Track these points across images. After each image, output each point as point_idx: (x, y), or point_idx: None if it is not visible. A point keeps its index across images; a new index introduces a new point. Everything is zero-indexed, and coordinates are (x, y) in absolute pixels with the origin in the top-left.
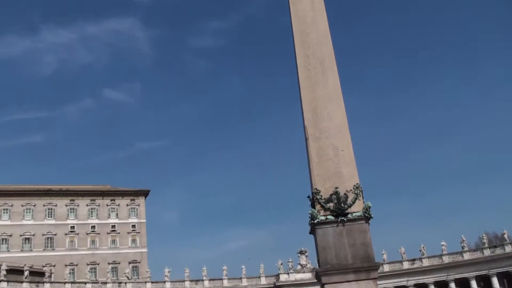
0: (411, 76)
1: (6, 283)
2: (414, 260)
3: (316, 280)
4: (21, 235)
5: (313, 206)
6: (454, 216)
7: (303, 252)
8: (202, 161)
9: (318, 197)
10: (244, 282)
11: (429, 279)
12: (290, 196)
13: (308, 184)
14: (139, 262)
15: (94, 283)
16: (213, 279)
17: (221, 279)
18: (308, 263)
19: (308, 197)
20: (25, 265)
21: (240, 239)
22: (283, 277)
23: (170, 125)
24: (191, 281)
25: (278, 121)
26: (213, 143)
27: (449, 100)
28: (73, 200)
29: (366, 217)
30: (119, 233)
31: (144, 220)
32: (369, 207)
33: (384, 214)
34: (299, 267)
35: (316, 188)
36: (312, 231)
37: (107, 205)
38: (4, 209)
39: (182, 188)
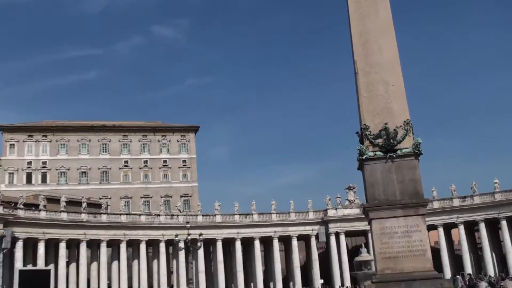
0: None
1: (66, 213)
2: (465, 197)
3: (363, 216)
4: (78, 169)
5: (361, 142)
6: (509, 153)
7: (351, 188)
8: (252, 96)
9: (367, 133)
10: (292, 216)
11: (479, 216)
12: (338, 132)
13: (357, 120)
14: (190, 196)
15: (147, 215)
16: (262, 213)
17: (270, 213)
18: (356, 199)
19: (357, 133)
20: (82, 197)
21: (288, 175)
22: (331, 212)
23: (219, 61)
24: (240, 214)
25: (328, 57)
26: (263, 78)
27: None
28: (126, 135)
29: (416, 153)
30: (170, 168)
31: (195, 156)
32: (419, 143)
33: (435, 150)
34: (347, 202)
35: (365, 124)
36: (360, 167)
37: (159, 141)
38: (61, 144)
39: (231, 123)
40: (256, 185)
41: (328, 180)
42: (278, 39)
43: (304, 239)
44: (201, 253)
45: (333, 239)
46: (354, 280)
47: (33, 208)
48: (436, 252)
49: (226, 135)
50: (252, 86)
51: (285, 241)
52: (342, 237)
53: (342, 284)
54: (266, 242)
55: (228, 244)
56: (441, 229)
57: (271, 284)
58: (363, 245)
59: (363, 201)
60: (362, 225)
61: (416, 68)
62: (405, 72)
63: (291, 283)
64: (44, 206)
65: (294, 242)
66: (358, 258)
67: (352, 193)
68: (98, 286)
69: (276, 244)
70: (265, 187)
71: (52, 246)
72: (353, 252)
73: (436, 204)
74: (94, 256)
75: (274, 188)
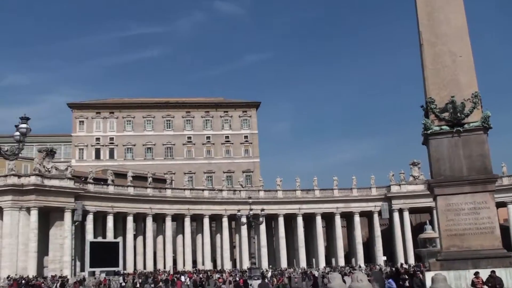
0: None
1: (132, 188)
2: None
3: (428, 192)
4: (143, 145)
5: (426, 116)
6: None
7: (416, 163)
8: (312, 70)
9: (433, 106)
10: (355, 192)
11: None
12: (402, 106)
13: (422, 93)
14: (252, 171)
15: (210, 190)
16: (323, 189)
17: (332, 189)
18: (421, 174)
19: (422, 106)
20: (148, 172)
21: (350, 151)
22: (394, 189)
23: (280, 35)
24: (302, 190)
25: (390, 27)
26: (324, 53)
27: None
28: (189, 112)
29: (485, 127)
30: (232, 143)
31: (256, 131)
32: (488, 117)
33: (506, 123)
34: (411, 178)
35: (430, 97)
36: (425, 142)
37: (221, 117)
38: (127, 121)
39: (292, 98)
40: (318, 161)
41: (391, 156)
42: (339, 12)
43: (367, 215)
44: (263, 228)
45: (396, 215)
46: (418, 258)
47: (102, 183)
48: (505, 230)
49: (287, 110)
50: (312, 60)
51: (347, 217)
52: (406, 214)
53: (406, 261)
54: (328, 218)
55: (290, 219)
56: (511, 206)
57: (333, 261)
58: (427, 222)
59: (428, 177)
60: (427, 202)
61: (488, 32)
62: (474, 39)
63: (353, 260)
64: (112, 180)
65: (357, 219)
66: (422, 235)
67: (417, 168)
68: (164, 258)
69: (338, 220)
70: (326, 162)
71: (120, 219)
72: (417, 229)
73: (506, 181)
74: (159, 229)
75: (336, 164)
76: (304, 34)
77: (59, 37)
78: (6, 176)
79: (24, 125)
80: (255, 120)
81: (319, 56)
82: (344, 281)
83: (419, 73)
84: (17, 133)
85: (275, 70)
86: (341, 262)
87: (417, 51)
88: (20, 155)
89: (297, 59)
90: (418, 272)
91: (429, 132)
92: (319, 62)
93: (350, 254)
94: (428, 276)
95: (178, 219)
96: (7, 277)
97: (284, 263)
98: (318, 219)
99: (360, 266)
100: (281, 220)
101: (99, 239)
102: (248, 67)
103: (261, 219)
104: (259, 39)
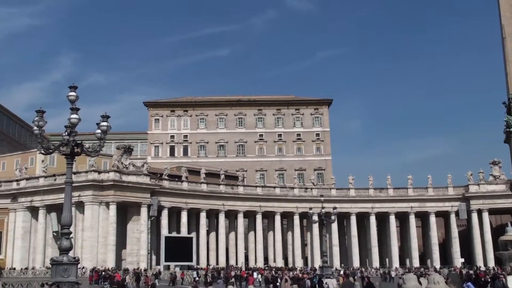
0: None
1: (205, 185)
2: None
3: (511, 192)
4: (216, 142)
5: (509, 113)
6: None
7: (496, 162)
8: (385, 67)
9: None
10: (430, 192)
11: None
12: (480, 103)
13: (504, 89)
14: (324, 169)
15: (282, 187)
16: (397, 188)
17: (406, 188)
18: (502, 174)
19: (504, 103)
20: (221, 169)
21: (425, 149)
22: (473, 188)
23: (352, 32)
24: (375, 189)
25: (468, 22)
26: (396, 50)
27: None
28: (261, 109)
29: None
30: (304, 141)
31: (328, 129)
32: None
33: None
34: (491, 178)
35: None
36: (507, 140)
37: (292, 114)
38: (200, 119)
39: (365, 96)
40: (391, 159)
41: (469, 154)
42: (411, 7)
43: (443, 215)
44: (335, 226)
45: (475, 216)
46: (498, 261)
47: (176, 179)
48: None
49: (359, 107)
50: (385, 56)
51: (422, 217)
52: (485, 215)
53: (485, 264)
54: (402, 217)
55: (362, 218)
56: None
57: (407, 261)
58: (509, 223)
59: (510, 176)
60: (508, 202)
61: None
62: None
63: (428, 261)
64: (186, 177)
65: (432, 219)
66: (503, 238)
67: (497, 168)
68: (236, 254)
69: (412, 220)
70: (400, 161)
71: (193, 215)
72: (497, 230)
73: None
74: (232, 226)
75: (410, 162)
76: (376, 30)
77: (135, 38)
78: (87, 172)
79: (104, 123)
80: (327, 117)
81: (392, 52)
82: (420, 283)
83: (500, 68)
84: (98, 131)
85: (347, 66)
86: (416, 263)
87: (493, 47)
88: (100, 152)
89: (370, 56)
90: (501, 276)
91: (511, 129)
92: (392, 58)
93: (425, 255)
94: (510, 280)
95: (250, 216)
96: (93, 269)
97: (356, 262)
98: (392, 219)
99: (435, 268)
100: (353, 219)
101: (174, 234)
102: (320, 64)
103: (333, 217)
104: (331, 35)
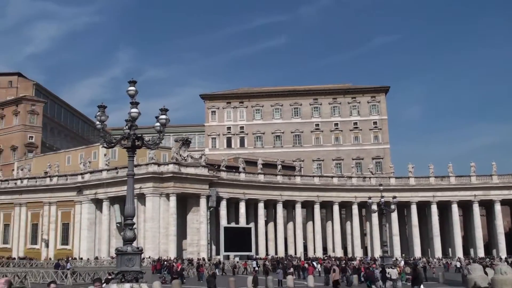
0: None
1: (263, 175)
2: None
3: None
4: (272, 133)
5: None
6: None
7: None
8: (445, 53)
9: None
10: (495, 179)
11: None
12: None
13: None
14: (382, 158)
15: (340, 177)
16: (459, 176)
17: (469, 176)
18: None
19: None
20: (277, 159)
21: (488, 135)
22: None
23: (410, 16)
24: (436, 177)
25: None
26: (457, 34)
27: None
28: (316, 99)
29: None
30: (361, 130)
31: (385, 117)
32: None
33: None
34: None
35: None
36: None
37: (348, 103)
38: (256, 110)
39: (424, 82)
40: (452, 146)
41: None
42: None
43: (509, 204)
44: (394, 216)
45: None
46: None
47: (234, 170)
48: None
49: (418, 94)
50: (445, 41)
51: (486, 205)
52: None
53: None
54: (465, 206)
55: (423, 207)
56: None
57: (471, 251)
58: None
59: None
60: None
61: None
62: None
63: (494, 251)
64: (243, 168)
65: (497, 207)
66: None
67: None
68: (295, 244)
69: (476, 208)
70: (462, 148)
71: (251, 205)
72: None
73: None
74: (290, 216)
75: (472, 149)
76: (435, 14)
77: (190, 32)
78: (147, 164)
79: (163, 116)
80: (384, 105)
81: (452, 36)
82: (485, 273)
83: None
84: (158, 124)
85: (404, 52)
86: (480, 253)
87: None
88: (159, 144)
89: (429, 41)
90: None
91: None
92: (452, 43)
93: (490, 244)
94: None
95: (307, 206)
96: (157, 259)
97: (417, 253)
98: (454, 207)
99: (501, 258)
100: (413, 208)
101: (232, 224)
102: (376, 51)
103: (392, 206)
104: (388, 21)
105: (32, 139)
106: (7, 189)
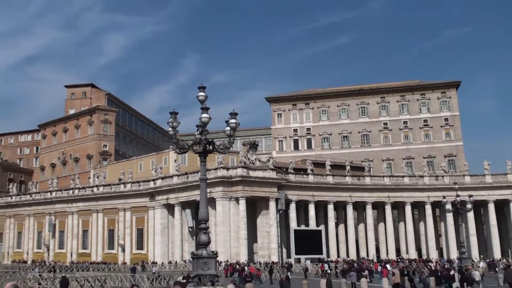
0: None
1: (331, 177)
2: None
3: None
4: (339, 134)
5: None
6: None
7: None
8: None
9: None
10: None
11: None
12: None
13: None
14: (455, 156)
15: (411, 176)
16: None
17: None
18: None
19: None
20: (345, 160)
21: None
22: None
23: (479, 9)
24: None
25: None
26: None
27: None
28: (384, 97)
29: None
30: (431, 127)
31: (457, 113)
32: None
33: None
34: None
35: None
36: None
37: (417, 100)
38: (322, 111)
39: (496, 76)
40: None
41: None
42: None
43: None
44: (471, 215)
45: None
46: None
47: (302, 172)
48: None
49: (491, 88)
50: None
51: None
52: None
53: None
54: None
55: (502, 206)
56: None
57: None
58: None
59: None
60: None
61: None
62: None
63: None
64: (311, 170)
65: None
66: None
67: None
68: (366, 246)
69: None
70: None
71: (321, 207)
72: None
73: None
74: (360, 217)
75: None
76: (507, 5)
77: (254, 35)
78: (216, 169)
79: (233, 120)
80: (456, 101)
81: None
82: None
83: None
84: (227, 128)
85: (476, 45)
86: None
87: None
88: (230, 148)
89: (504, 32)
90: None
91: None
92: None
93: None
94: None
95: (378, 206)
96: (235, 263)
97: (497, 253)
98: None
99: None
100: (491, 207)
101: (302, 227)
102: (446, 45)
103: (469, 205)
104: (458, 12)
105: (106, 148)
106: (85, 196)
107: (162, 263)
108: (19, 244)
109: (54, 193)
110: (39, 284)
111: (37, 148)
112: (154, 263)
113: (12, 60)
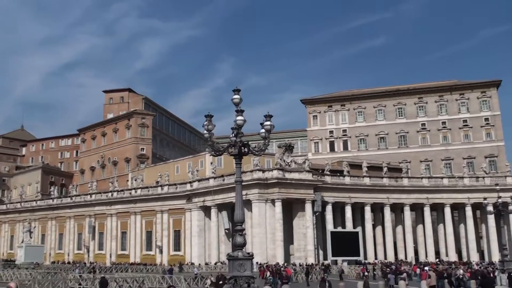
0: None
1: (368, 178)
2: None
3: None
4: (376, 135)
5: None
6: None
7: None
8: None
9: None
10: None
11: None
12: None
13: None
14: (496, 156)
15: (450, 177)
16: None
17: None
18: None
19: None
20: (382, 162)
21: None
22: None
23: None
24: None
25: None
26: None
27: None
28: (421, 97)
29: None
30: (471, 127)
31: (498, 112)
32: None
33: None
34: None
35: None
36: None
37: (456, 100)
38: (358, 112)
39: None
40: None
41: None
42: None
43: None
44: None
45: None
46: None
47: (338, 174)
48: None
49: None
50: None
51: None
52: None
53: None
54: None
55: None
56: None
57: None
58: None
59: None
60: None
61: None
62: None
63: None
64: (348, 171)
65: None
66: None
67: None
68: (405, 249)
69: None
70: None
71: (357, 209)
72: None
73: None
74: (398, 219)
75: None
76: None
77: (288, 38)
78: (252, 171)
79: (268, 122)
80: (496, 100)
81: None
82: None
83: None
84: (262, 130)
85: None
86: None
87: None
88: (265, 150)
89: None
90: None
91: None
92: None
93: None
94: None
95: (416, 208)
96: (258, 263)
97: None
98: None
99: None
100: None
101: (339, 229)
102: (484, 44)
103: (510, 207)
104: (495, 11)
105: (143, 151)
106: (123, 198)
107: (199, 264)
108: (60, 245)
109: (93, 196)
110: (79, 284)
111: (77, 152)
112: (193, 264)
113: (53, 66)
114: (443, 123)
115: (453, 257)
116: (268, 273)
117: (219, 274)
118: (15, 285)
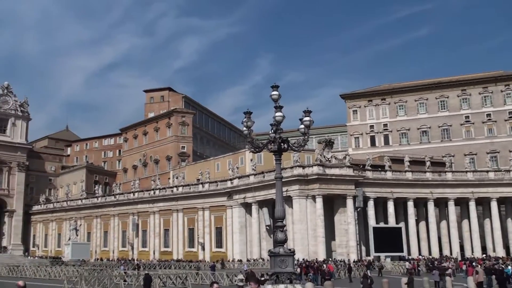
0: None
1: (410, 173)
2: None
3: None
4: (418, 129)
5: None
6: None
7: None
8: None
9: None
10: None
11: None
12: None
13: None
14: None
15: (496, 171)
16: None
17: None
18: None
19: None
20: (425, 156)
21: None
22: None
23: None
24: None
25: None
26: None
27: None
28: (464, 89)
29: None
30: None
31: None
32: None
33: None
34: None
35: None
36: None
37: (501, 91)
38: (400, 106)
39: None
40: None
41: None
42: None
43: None
44: None
45: None
46: None
47: (379, 169)
48: None
49: None
50: None
51: None
52: None
53: None
54: None
55: None
56: None
57: None
58: None
59: None
60: None
61: None
62: None
63: None
64: (389, 166)
65: None
66: None
67: None
68: (450, 244)
69: None
70: None
71: (400, 204)
72: None
73: None
74: (442, 214)
75: None
76: None
77: (327, 32)
78: (292, 167)
79: (307, 118)
80: None
81: None
82: None
83: None
84: (302, 126)
85: None
86: None
87: None
88: (305, 146)
89: None
90: None
91: None
92: None
93: None
94: None
95: (461, 203)
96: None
97: None
98: None
99: None
100: None
101: (381, 224)
102: None
103: None
104: None
105: (184, 149)
106: (165, 196)
107: (241, 260)
108: (105, 242)
109: (136, 194)
110: (124, 281)
111: (119, 151)
112: (240, 261)
113: (95, 67)
114: (488, 115)
115: (500, 252)
116: (309, 270)
117: (249, 270)
118: (23, 283)
